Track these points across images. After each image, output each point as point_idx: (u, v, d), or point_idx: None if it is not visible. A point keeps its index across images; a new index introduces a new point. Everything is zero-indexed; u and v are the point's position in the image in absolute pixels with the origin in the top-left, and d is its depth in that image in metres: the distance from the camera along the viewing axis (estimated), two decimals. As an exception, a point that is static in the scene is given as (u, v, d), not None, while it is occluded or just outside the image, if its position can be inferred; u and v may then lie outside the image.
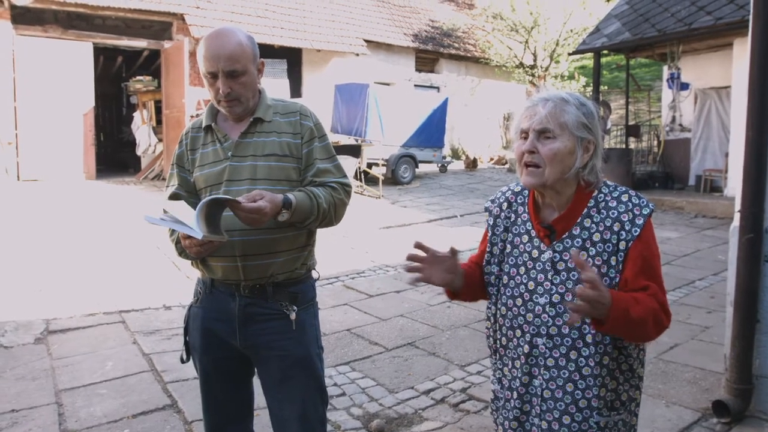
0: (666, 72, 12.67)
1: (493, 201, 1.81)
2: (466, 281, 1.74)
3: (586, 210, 1.59)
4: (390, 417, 3.41)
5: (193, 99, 12.17)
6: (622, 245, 1.54)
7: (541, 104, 1.57)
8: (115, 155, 18.07)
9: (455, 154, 19.08)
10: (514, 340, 1.68)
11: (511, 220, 1.73)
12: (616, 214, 1.56)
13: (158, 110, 13.99)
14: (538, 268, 1.62)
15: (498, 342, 1.75)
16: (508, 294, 1.69)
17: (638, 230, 1.53)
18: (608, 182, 1.64)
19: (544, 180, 1.56)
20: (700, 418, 3.33)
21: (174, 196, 2.03)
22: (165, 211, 1.78)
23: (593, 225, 1.57)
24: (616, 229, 1.55)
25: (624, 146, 13.42)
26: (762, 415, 3.28)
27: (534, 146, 1.56)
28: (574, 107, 1.56)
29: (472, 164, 17.40)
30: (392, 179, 13.73)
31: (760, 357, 3.29)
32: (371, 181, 13.19)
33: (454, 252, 1.66)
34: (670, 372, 3.94)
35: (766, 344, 3.28)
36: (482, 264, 1.79)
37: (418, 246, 1.64)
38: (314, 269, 2.14)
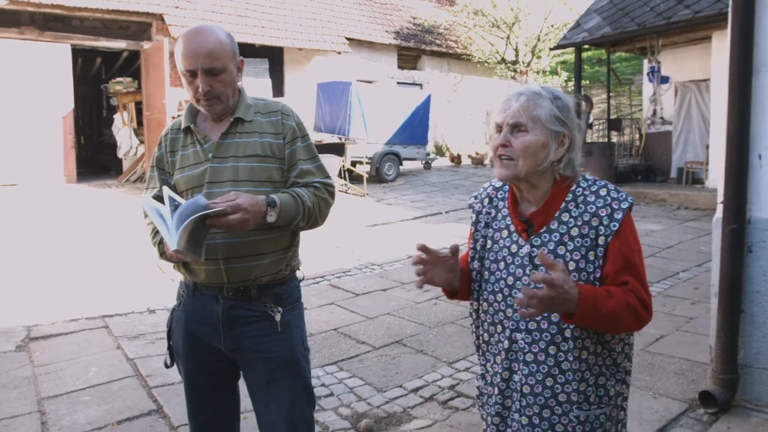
0: (646, 66, 12.79)
1: (476, 197, 1.82)
2: (463, 279, 1.75)
3: (564, 204, 1.59)
4: (378, 416, 3.39)
5: (174, 100, 12.05)
6: (600, 240, 1.53)
7: (515, 98, 1.57)
8: (95, 158, 17.85)
9: (439, 151, 19.11)
10: (495, 335, 1.69)
11: (492, 215, 1.74)
12: (594, 209, 1.55)
13: (139, 112, 13.84)
14: (516, 263, 1.63)
15: (481, 338, 1.76)
16: (489, 290, 1.69)
17: (617, 225, 1.53)
18: (587, 176, 1.63)
19: (517, 172, 1.56)
20: (687, 409, 3.35)
21: (156, 199, 1.99)
22: (158, 198, 1.72)
23: (571, 219, 1.57)
24: (594, 223, 1.54)
25: (606, 140, 13.52)
26: (748, 404, 3.30)
27: (507, 140, 1.56)
28: (547, 101, 1.56)
29: (457, 160, 17.44)
30: (376, 177, 13.71)
31: (745, 347, 3.32)
32: (355, 179, 13.16)
33: (454, 251, 1.66)
34: (656, 364, 3.96)
35: (750, 334, 3.30)
36: None
37: (422, 248, 1.62)
38: (299, 270, 2.11)
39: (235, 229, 1.75)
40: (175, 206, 1.70)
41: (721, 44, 10.55)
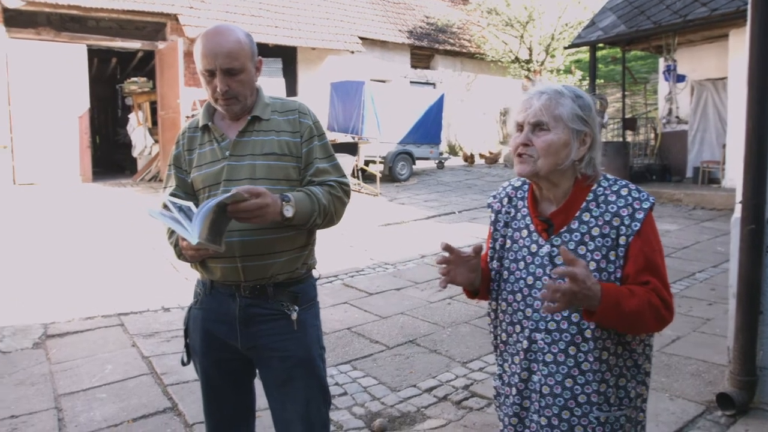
0: (662, 64, 12.67)
1: (494, 196, 1.81)
2: (484, 279, 1.74)
3: (584, 204, 1.57)
4: (392, 416, 3.39)
5: (188, 100, 12.11)
6: (621, 240, 1.52)
7: (536, 97, 1.56)
8: (111, 157, 18.01)
9: (452, 150, 19.06)
10: (514, 335, 1.68)
11: (511, 215, 1.73)
12: (615, 209, 1.54)
13: (153, 111, 13.93)
14: (536, 262, 1.61)
15: (498, 338, 1.75)
16: (508, 289, 1.68)
17: (638, 225, 1.51)
18: (608, 176, 1.62)
19: (536, 169, 1.55)
20: (705, 411, 3.31)
21: (172, 196, 1.99)
22: (165, 207, 1.73)
23: (592, 219, 1.56)
24: (615, 223, 1.53)
25: (621, 139, 13.41)
26: (766, 407, 3.26)
27: (528, 139, 1.55)
28: (569, 99, 1.55)
29: (470, 159, 17.39)
30: (390, 176, 13.70)
31: (763, 348, 3.28)
32: (369, 178, 13.17)
33: (477, 251, 1.64)
34: (673, 365, 3.92)
35: (769, 336, 3.26)
36: None
37: (446, 248, 1.61)
38: (315, 268, 2.11)
39: (255, 215, 1.73)
40: (178, 207, 1.69)
41: (739, 42, 10.43)
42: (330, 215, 1.96)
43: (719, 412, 3.27)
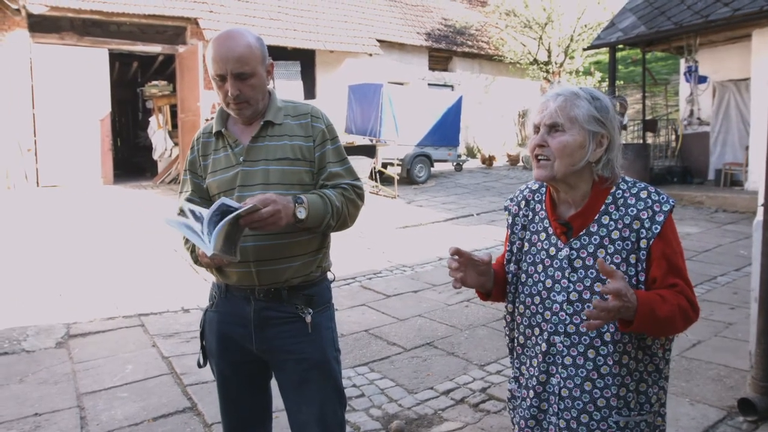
0: (683, 65, 12.53)
1: (512, 200, 1.81)
2: (497, 282, 1.75)
3: (603, 207, 1.57)
4: (409, 418, 3.39)
5: (207, 102, 12.22)
6: (642, 243, 1.52)
7: (552, 99, 1.57)
8: (131, 160, 18.22)
9: (470, 153, 19.01)
10: (532, 338, 1.67)
11: (529, 218, 1.73)
12: (635, 212, 1.54)
13: (174, 114, 14.08)
14: (555, 265, 1.61)
15: (516, 341, 1.75)
16: (525, 292, 1.68)
17: (659, 228, 1.51)
18: (627, 178, 1.62)
19: (553, 173, 1.56)
20: (726, 417, 3.27)
21: (189, 202, 2.02)
22: (182, 211, 1.75)
23: (611, 222, 1.55)
24: (635, 226, 1.53)
25: (641, 141, 13.28)
26: (789, 412, 3.21)
27: (544, 140, 1.56)
28: (585, 101, 1.55)
29: (489, 161, 17.32)
30: (407, 179, 13.70)
31: (786, 353, 3.22)
32: (386, 181, 13.17)
33: (487, 260, 1.66)
34: (693, 369, 3.88)
35: (792, 340, 3.21)
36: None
37: (455, 252, 1.62)
38: (330, 271, 2.12)
39: (269, 223, 1.75)
40: (195, 215, 1.72)
41: (762, 42, 10.29)
42: (343, 217, 1.97)
43: (741, 417, 3.22)
